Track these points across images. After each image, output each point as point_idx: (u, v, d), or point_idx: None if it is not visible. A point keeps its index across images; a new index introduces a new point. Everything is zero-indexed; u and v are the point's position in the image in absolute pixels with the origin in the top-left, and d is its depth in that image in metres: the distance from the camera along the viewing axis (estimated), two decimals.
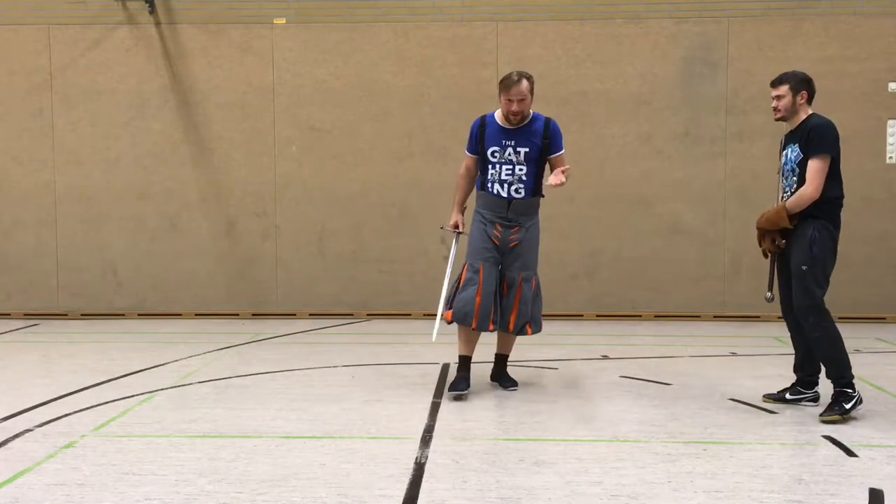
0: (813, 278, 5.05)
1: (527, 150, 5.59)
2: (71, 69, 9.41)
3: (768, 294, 5.47)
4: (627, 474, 4.12)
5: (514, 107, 5.50)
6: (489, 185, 5.64)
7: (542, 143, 5.62)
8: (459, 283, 5.64)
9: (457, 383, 5.66)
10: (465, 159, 5.85)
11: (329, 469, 4.22)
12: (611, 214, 9.23)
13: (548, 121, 5.68)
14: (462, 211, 5.90)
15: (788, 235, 5.18)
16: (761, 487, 3.96)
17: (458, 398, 5.57)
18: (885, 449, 4.55)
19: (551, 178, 5.57)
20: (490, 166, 5.63)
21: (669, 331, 8.59)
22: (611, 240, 9.25)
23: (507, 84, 5.51)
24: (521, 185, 5.62)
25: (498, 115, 5.67)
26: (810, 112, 5.20)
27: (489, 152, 5.62)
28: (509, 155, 5.59)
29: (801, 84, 5.19)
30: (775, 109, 5.26)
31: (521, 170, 5.60)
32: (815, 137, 5.04)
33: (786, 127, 5.38)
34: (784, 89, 5.19)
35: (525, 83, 5.50)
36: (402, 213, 9.24)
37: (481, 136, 5.63)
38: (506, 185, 5.61)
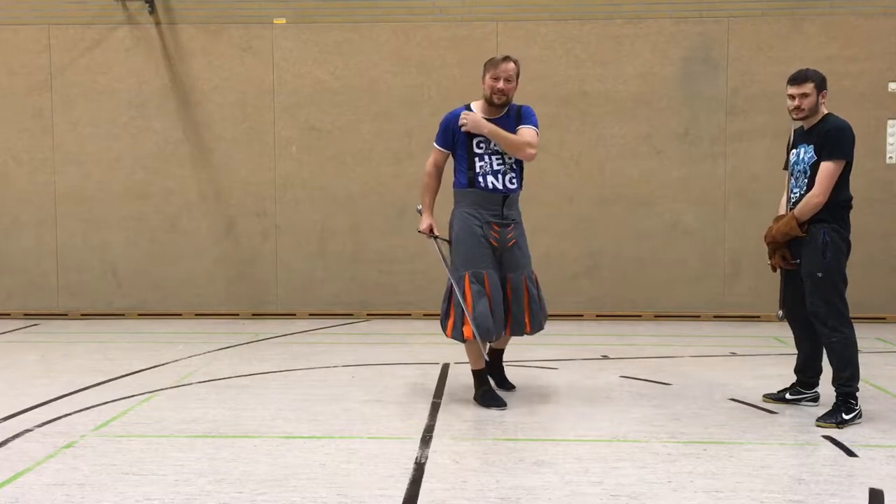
0: (830, 285, 4.95)
1: None
2: (71, 69, 9.42)
3: (779, 312, 5.39)
4: (627, 474, 4.12)
5: (501, 84, 5.30)
6: (480, 178, 5.34)
7: (517, 129, 5.44)
8: (466, 297, 5.25)
9: (493, 397, 5.43)
10: (434, 154, 5.53)
11: (329, 469, 4.22)
12: (611, 214, 9.23)
13: (519, 107, 5.50)
14: (432, 212, 5.55)
15: (799, 242, 5.09)
16: (761, 487, 3.96)
17: (502, 408, 5.38)
18: (885, 449, 4.55)
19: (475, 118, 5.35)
20: (477, 158, 5.34)
21: (669, 331, 8.59)
22: (611, 240, 9.25)
23: (494, 62, 5.35)
24: (514, 175, 5.42)
25: (477, 107, 5.45)
26: (826, 112, 5.07)
27: (475, 143, 5.35)
28: (495, 144, 5.36)
29: (823, 83, 5.03)
30: (798, 109, 5.03)
31: (509, 158, 5.40)
32: (832, 141, 4.91)
33: (794, 123, 5.25)
34: (810, 87, 4.99)
35: (512, 64, 5.35)
36: (402, 213, 9.23)
37: None
38: (500, 176, 5.36)
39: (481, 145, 5.38)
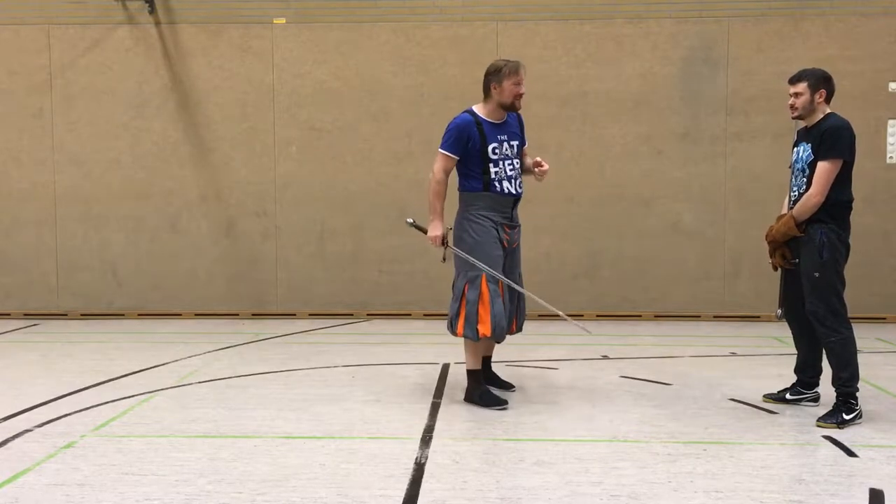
0: (827, 284, 4.95)
1: (517, 143, 5.52)
2: (71, 69, 9.42)
3: (778, 311, 5.41)
4: (627, 474, 4.12)
5: (523, 89, 5.40)
6: (496, 184, 5.38)
7: (521, 135, 5.58)
8: (483, 297, 5.27)
9: (493, 398, 5.43)
10: (445, 161, 5.40)
11: (329, 469, 4.22)
12: (611, 214, 9.23)
13: (518, 115, 5.61)
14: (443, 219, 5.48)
15: (798, 242, 5.10)
16: (761, 487, 3.96)
17: (504, 407, 5.39)
18: (885, 449, 4.55)
19: (543, 166, 5.56)
20: (492, 164, 5.38)
21: (669, 331, 8.59)
22: (611, 240, 9.25)
23: (515, 68, 5.35)
24: (521, 180, 5.55)
25: (481, 111, 5.44)
26: (828, 111, 5.09)
27: (490, 149, 5.36)
28: (506, 150, 5.44)
29: (820, 82, 5.06)
30: (792, 107, 5.11)
31: (518, 163, 5.52)
32: (828, 140, 4.93)
33: (798, 122, 5.26)
34: (802, 87, 5.05)
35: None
36: (402, 213, 9.19)
37: (482, 134, 5.38)
38: (513, 181, 5.45)
39: (496, 151, 5.42)
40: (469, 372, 5.54)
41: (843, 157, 4.95)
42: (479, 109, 5.48)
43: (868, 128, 8.71)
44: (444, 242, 5.46)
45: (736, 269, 9.15)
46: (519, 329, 5.77)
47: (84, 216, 9.50)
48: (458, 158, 5.42)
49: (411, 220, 5.63)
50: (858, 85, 8.81)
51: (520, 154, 5.59)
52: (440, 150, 5.44)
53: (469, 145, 5.37)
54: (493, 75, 5.40)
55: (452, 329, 5.47)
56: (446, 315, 5.60)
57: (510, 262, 5.54)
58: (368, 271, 9.41)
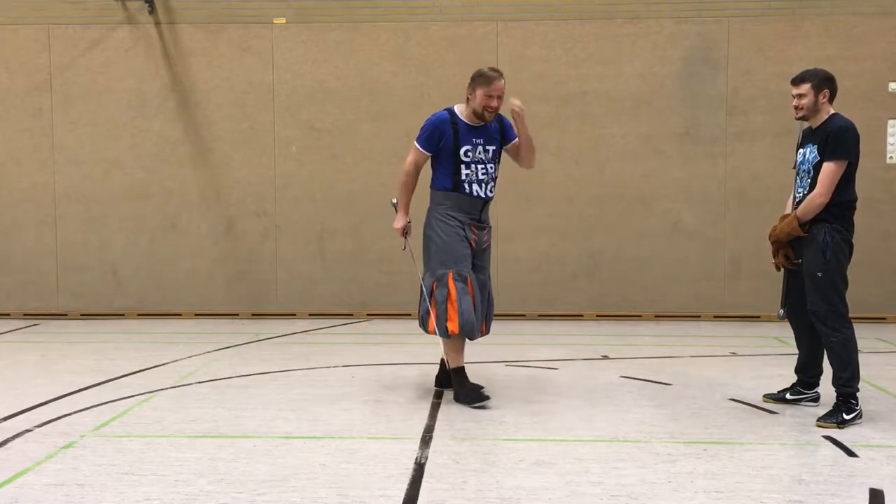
0: (829, 284, 4.96)
1: (493, 147, 5.52)
2: (71, 69, 9.41)
3: (780, 311, 5.41)
4: (627, 474, 4.12)
5: (495, 102, 5.37)
6: (464, 185, 5.43)
7: (499, 139, 5.58)
8: (451, 294, 5.31)
9: (478, 394, 5.44)
10: (417, 155, 5.51)
11: (329, 469, 4.22)
12: (611, 214, 9.23)
13: (500, 115, 5.60)
14: (408, 212, 5.63)
15: (801, 242, 5.10)
16: (761, 488, 3.96)
17: (488, 400, 5.42)
18: (885, 449, 4.55)
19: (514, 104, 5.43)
20: (464, 166, 5.41)
21: (669, 331, 8.59)
22: (611, 240, 9.25)
23: (489, 78, 5.36)
24: (493, 184, 5.56)
25: (461, 112, 5.48)
26: (832, 112, 5.08)
27: (462, 151, 5.40)
28: (480, 154, 5.45)
29: (824, 82, 5.06)
30: (797, 108, 5.09)
31: (492, 168, 5.52)
32: (834, 141, 4.93)
33: (802, 123, 5.26)
34: (806, 88, 5.04)
35: (504, 81, 5.40)
36: None
37: (455, 135, 5.41)
38: (483, 185, 5.47)
39: (469, 154, 5.44)
40: (452, 370, 5.55)
41: (847, 157, 4.96)
42: (459, 109, 5.52)
43: (868, 128, 8.65)
44: (405, 234, 5.61)
45: (736, 269, 9.15)
46: (487, 331, 5.72)
47: (84, 216, 9.50)
48: (429, 154, 5.49)
49: (395, 201, 5.70)
50: (858, 85, 8.81)
51: (496, 158, 5.57)
52: (415, 142, 5.55)
53: (441, 144, 5.43)
54: (473, 80, 5.44)
55: (424, 327, 5.53)
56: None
57: (479, 262, 5.56)
58: (368, 271, 9.41)
